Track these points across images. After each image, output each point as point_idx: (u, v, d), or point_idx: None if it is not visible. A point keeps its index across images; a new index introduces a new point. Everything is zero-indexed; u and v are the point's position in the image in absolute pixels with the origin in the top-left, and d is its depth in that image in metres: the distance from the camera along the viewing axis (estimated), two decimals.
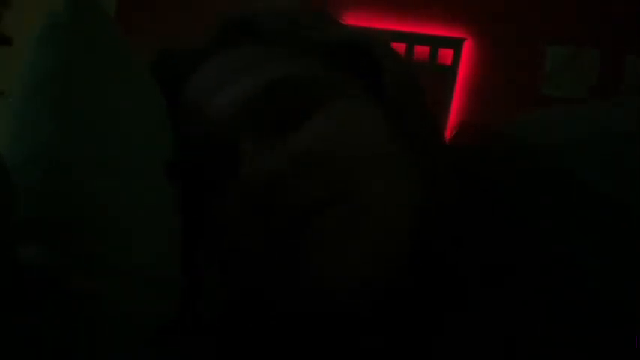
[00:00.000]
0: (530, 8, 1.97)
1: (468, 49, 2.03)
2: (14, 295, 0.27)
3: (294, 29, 0.37)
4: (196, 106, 0.35)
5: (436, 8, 2.04)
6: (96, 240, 0.29)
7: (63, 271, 0.28)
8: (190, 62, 0.37)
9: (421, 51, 2.01)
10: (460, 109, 2.00)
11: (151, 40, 0.40)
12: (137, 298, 0.29)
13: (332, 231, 0.31)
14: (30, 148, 0.30)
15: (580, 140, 0.33)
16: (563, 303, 0.29)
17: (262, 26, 0.37)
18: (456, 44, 2.02)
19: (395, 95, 0.35)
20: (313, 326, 0.34)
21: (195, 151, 0.35)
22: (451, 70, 2.00)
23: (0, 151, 0.29)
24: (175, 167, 0.33)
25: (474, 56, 2.03)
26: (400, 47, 1.96)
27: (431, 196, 0.33)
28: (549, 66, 1.95)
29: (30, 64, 0.32)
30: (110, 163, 0.30)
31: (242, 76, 0.35)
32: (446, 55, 2.03)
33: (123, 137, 0.31)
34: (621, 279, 0.29)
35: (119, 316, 0.29)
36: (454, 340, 0.31)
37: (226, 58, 0.36)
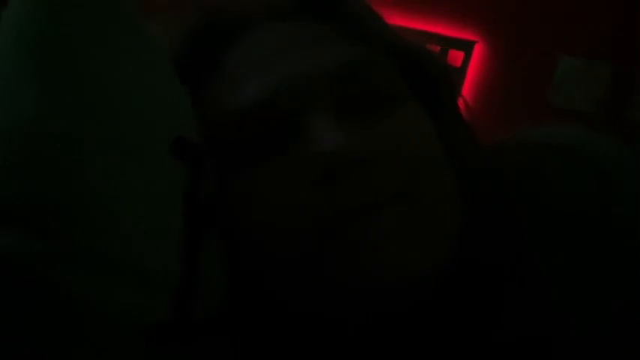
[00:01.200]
0: (544, 16, 1.94)
1: (478, 51, 2.00)
2: None
3: (371, 21, 0.38)
4: (250, 72, 0.33)
5: (448, 7, 2.01)
6: (82, 227, 0.25)
7: (42, 262, 0.24)
8: (237, 30, 0.35)
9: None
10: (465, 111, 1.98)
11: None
12: (127, 294, 0.26)
13: (395, 227, 0.30)
14: (10, 119, 0.26)
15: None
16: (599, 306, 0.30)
17: (342, 6, 0.37)
18: (467, 46, 1.99)
19: (447, 112, 0.37)
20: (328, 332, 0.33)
21: (237, 122, 0.33)
22: (460, 73, 1.98)
23: None
24: (185, 144, 0.30)
25: (485, 60, 2.00)
26: None
27: (473, 202, 0.34)
28: (559, 76, 1.93)
29: (12, 24, 0.28)
30: (102, 138, 0.27)
31: (316, 50, 0.34)
32: (456, 57, 2.01)
33: (119, 109, 0.28)
34: None
35: (106, 313, 0.25)
36: (493, 340, 0.32)
37: (290, 28, 0.35)
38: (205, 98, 0.34)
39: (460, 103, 0.39)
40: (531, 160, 0.35)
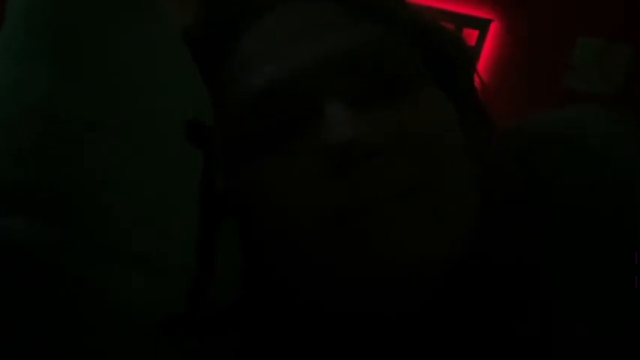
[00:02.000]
0: None
1: (494, 31, 1.96)
2: None
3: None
4: (263, 58, 0.33)
5: None
6: (94, 216, 0.25)
7: (54, 250, 0.24)
8: (250, 14, 0.34)
9: None
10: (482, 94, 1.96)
11: None
12: (140, 284, 0.25)
13: (412, 217, 0.29)
14: (24, 103, 0.25)
15: None
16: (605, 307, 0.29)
17: None
18: (482, 24, 1.96)
19: (465, 97, 0.35)
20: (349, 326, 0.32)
21: (249, 109, 0.32)
22: (474, 52, 1.95)
23: None
24: (200, 128, 0.29)
25: (500, 39, 1.96)
26: None
27: (493, 187, 0.33)
28: (576, 58, 1.89)
29: (20, 6, 0.27)
30: (116, 126, 0.26)
31: (330, 32, 0.32)
32: (470, 36, 1.97)
33: (133, 95, 0.27)
34: None
35: (119, 303, 0.25)
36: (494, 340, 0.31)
37: (303, 9, 0.34)
38: (219, 85, 0.33)
39: (477, 84, 0.38)
40: (541, 152, 0.34)
